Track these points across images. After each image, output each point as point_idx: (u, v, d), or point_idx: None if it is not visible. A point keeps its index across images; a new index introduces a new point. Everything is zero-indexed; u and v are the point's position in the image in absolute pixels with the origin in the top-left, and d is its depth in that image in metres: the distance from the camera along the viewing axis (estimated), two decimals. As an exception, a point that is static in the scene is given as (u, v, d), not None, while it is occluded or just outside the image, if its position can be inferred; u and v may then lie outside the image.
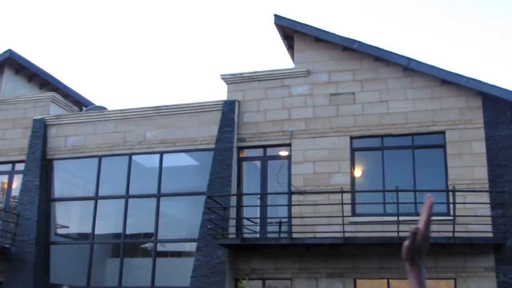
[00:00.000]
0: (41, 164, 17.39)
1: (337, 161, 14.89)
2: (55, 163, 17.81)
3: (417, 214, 13.71)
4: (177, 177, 17.11)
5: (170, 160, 16.77)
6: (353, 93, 15.33)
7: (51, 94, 18.55)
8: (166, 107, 16.79)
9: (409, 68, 14.90)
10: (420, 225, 1.56)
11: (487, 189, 13.73)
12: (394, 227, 13.30)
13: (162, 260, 16.56)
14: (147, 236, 17.08)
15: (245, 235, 14.96)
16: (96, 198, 17.11)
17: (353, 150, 15.04)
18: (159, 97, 53.41)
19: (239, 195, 14.99)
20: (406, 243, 1.54)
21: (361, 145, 15.11)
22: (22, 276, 16.37)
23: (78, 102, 20.74)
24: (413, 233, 1.53)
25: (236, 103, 15.97)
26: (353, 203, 14.51)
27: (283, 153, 15.71)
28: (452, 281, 13.44)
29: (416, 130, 14.66)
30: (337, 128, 15.12)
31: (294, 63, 16.36)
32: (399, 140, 14.85)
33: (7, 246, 16.83)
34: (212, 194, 14.96)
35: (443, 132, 14.51)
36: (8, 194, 18.19)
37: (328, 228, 14.01)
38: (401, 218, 13.27)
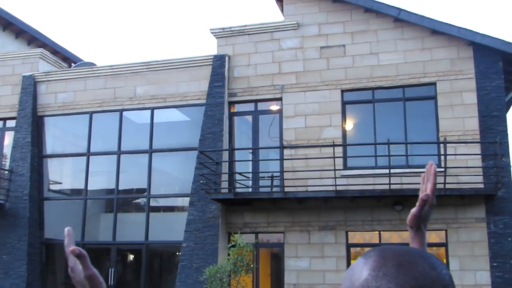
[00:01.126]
0: (32, 121, 17.31)
1: (328, 114, 14.88)
2: (46, 119, 17.73)
3: (409, 167, 13.88)
4: (168, 132, 17.08)
5: (161, 116, 16.72)
6: (344, 46, 15.19)
7: (39, 50, 18.30)
8: (156, 62, 16.63)
9: (399, 19, 14.74)
10: (429, 192, 1.55)
11: (478, 140, 13.80)
12: (385, 180, 13.41)
13: (155, 215, 16.70)
14: (140, 191, 17.18)
15: (238, 190, 15.05)
16: (88, 154, 17.11)
17: (344, 103, 15.00)
18: (149, 52, 52.87)
19: (231, 150, 15.01)
20: (414, 210, 1.54)
21: (352, 98, 15.07)
22: (17, 232, 16.51)
23: (66, 58, 20.52)
24: (423, 200, 1.52)
25: (226, 58, 15.82)
26: (345, 157, 14.58)
27: (274, 107, 15.67)
28: (443, 232, 13.64)
29: (407, 82, 14.61)
30: (328, 82, 15.05)
31: (283, 16, 16.15)
32: (390, 93, 14.81)
33: (1, 202, 16.91)
34: (204, 149, 14.99)
35: (434, 84, 14.47)
36: (0, 151, 18.15)
37: (320, 181, 14.12)
38: (392, 170, 13.37)
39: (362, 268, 1.07)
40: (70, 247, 1.37)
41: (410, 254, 1.07)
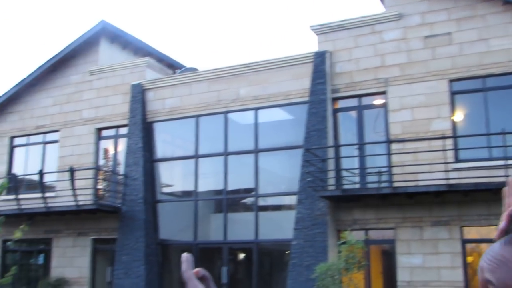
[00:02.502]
0: (143, 127, 18.06)
1: (436, 106, 14.38)
2: (155, 125, 18.44)
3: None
4: (273, 132, 17.23)
5: (265, 116, 16.89)
6: (449, 34, 14.61)
7: (146, 59, 19.08)
8: (257, 63, 16.81)
9: (508, 1, 13.96)
10: None
11: None
12: (501, 172, 12.78)
13: (263, 214, 16.90)
14: (248, 191, 17.46)
15: (345, 186, 14.92)
16: (196, 156, 17.61)
17: (452, 94, 14.43)
18: (249, 53, 53.52)
19: (337, 146, 14.90)
20: (501, 225, 1.46)
21: (461, 87, 14.46)
22: (134, 233, 17.30)
23: (171, 65, 21.21)
24: (510, 215, 1.44)
25: (327, 54, 15.70)
26: (456, 149, 14.03)
27: (379, 101, 15.37)
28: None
29: (521, 67, 13.82)
30: (434, 72, 14.54)
31: (384, 7, 15.78)
32: (502, 80, 14.06)
33: (119, 205, 17.80)
34: (309, 147, 14.97)
35: (551, 68, 13.61)
36: (115, 157, 19.10)
37: (431, 175, 13.69)
38: (509, 162, 12.72)
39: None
40: (187, 272, 1.34)
41: None
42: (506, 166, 12.54)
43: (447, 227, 13.70)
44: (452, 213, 13.71)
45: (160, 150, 18.77)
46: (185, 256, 1.38)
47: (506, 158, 12.64)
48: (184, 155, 18.74)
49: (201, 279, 1.34)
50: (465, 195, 13.46)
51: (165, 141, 19.36)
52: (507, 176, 12.44)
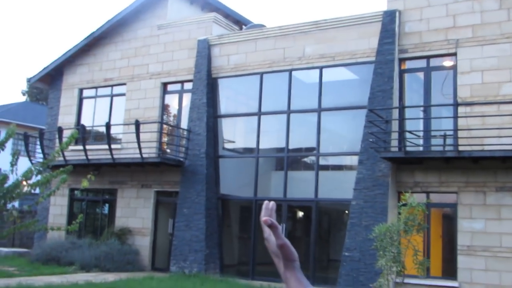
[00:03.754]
0: (207, 83, 18.29)
1: (508, 69, 13.92)
2: (220, 81, 18.64)
3: None
4: (337, 91, 17.15)
5: (329, 75, 16.79)
6: (527, -6, 14.03)
7: (212, 14, 19.19)
8: (325, 21, 16.64)
9: None
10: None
11: None
12: None
13: (324, 173, 16.96)
14: (309, 150, 17.52)
15: (408, 148, 14.76)
16: (259, 114, 17.75)
17: (526, 57, 13.94)
18: (317, 11, 52.81)
19: (402, 108, 14.70)
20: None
21: (536, 51, 13.94)
22: (195, 187, 17.71)
23: (237, 21, 21.25)
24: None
25: (397, 13, 15.38)
26: (526, 114, 13.61)
27: (448, 63, 15.01)
28: None
29: None
30: (508, 34, 14.04)
31: (459, -35, 15.24)
32: None
33: (181, 159, 18.22)
34: (374, 107, 14.83)
35: None
36: (179, 112, 19.47)
37: (498, 140, 13.37)
38: None
39: None
40: (264, 218, 1.43)
41: None
42: None
43: (512, 193, 13.42)
44: (518, 179, 13.39)
45: (224, 106, 19.01)
46: (265, 203, 1.47)
47: None
48: (247, 112, 18.94)
49: (270, 227, 1.42)
50: (533, 162, 13.10)
51: (229, 98, 19.57)
52: None
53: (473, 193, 13.87)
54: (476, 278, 13.51)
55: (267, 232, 1.45)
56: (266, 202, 1.49)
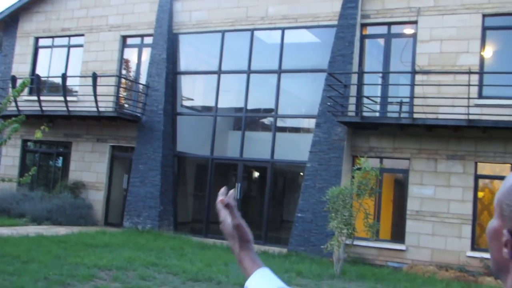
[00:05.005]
0: (168, 38, 18.00)
1: (466, 40, 14.14)
2: (181, 37, 18.37)
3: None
4: (298, 53, 17.12)
5: (291, 37, 16.73)
6: (489, -34, 14.16)
7: (175, -33, 18.76)
8: (289, -19, 16.49)
9: None
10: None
11: None
12: (523, 111, 12.72)
13: (281, 135, 17.04)
14: (267, 111, 17.55)
15: (365, 114, 14.94)
16: (219, 72, 17.62)
17: (484, 29, 14.15)
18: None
19: (361, 73, 14.81)
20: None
21: (494, 23, 14.16)
22: (152, 143, 17.59)
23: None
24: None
25: (361, -22, 15.35)
26: (481, 85, 13.91)
27: (409, 30, 15.13)
28: None
29: (558, 7, 13.46)
30: (468, 5, 14.21)
31: None
32: (538, 19, 13.75)
33: (139, 115, 18.02)
34: (333, 71, 14.90)
35: None
36: (138, 66, 19.16)
37: (452, 109, 13.65)
38: (532, 101, 12.62)
39: None
40: (220, 198, 1.45)
41: None
42: (529, 106, 12.45)
43: (462, 162, 13.79)
44: (468, 148, 13.75)
45: (184, 63, 18.80)
46: (223, 190, 1.48)
47: (530, 98, 12.53)
48: (207, 69, 18.77)
49: (226, 206, 1.44)
50: (484, 132, 13.45)
51: (189, 54, 19.34)
52: (530, 115, 12.38)
53: (425, 160, 14.20)
54: (423, 242, 13.93)
55: (222, 215, 1.47)
56: (223, 189, 1.50)
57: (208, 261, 11.99)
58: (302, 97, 17.74)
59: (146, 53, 18.76)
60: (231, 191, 1.49)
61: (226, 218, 1.47)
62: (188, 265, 11.27)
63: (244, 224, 1.46)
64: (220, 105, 17.79)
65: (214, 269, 11.19)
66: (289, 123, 17.67)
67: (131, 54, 19.35)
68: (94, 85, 16.99)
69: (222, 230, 1.48)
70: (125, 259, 11.22)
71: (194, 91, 19.79)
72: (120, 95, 19.16)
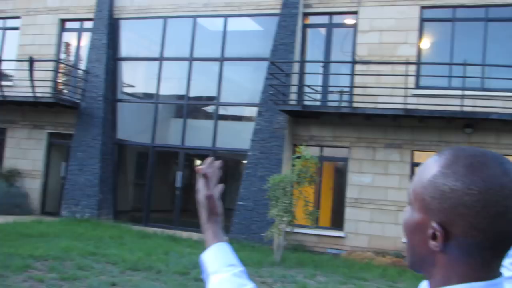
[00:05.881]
0: (108, 23, 17.63)
1: (404, 31, 14.45)
2: (122, 22, 18.02)
3: (484, 89, 13.47)
4: (240, 41, 17.09)
5: (234, 24, 16.68)
6: (428, -40, 14.49)
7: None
8: (232, -32, 16.41)
9: None
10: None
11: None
12: (458, 101, 13.11)
13: (223, 123, 17.00)
14: (210, 99, 17.47)
15: (306, 102, 15.08)
16: (161, 59, 17.40)
17: (422, 21, 14.50)
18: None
19: (302, 62, 14.92)
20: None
21: (431, 15, 14.52)
22: (91, 130, 17.24)
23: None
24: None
25: (304, -33, 15.43)
26: (418, 75, 14.26)
27: (349, 21, 15.33)
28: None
29: (491, 1, 13.90)
30: (408, -3, 14.51)
31: None
32: (472, 12, 14.17)
33: (78, 101, 17.61)
34: (275, 60, 14.95)
35: (520, 5, 13.73)
36: (77, 51, 18.69)
37: (390, 99, 13.94)
38: (466, 92, 13.03)
39: (433, 165, 1.06)
40: (200, 167, 1.46)
41: (485, 156, 1.03)
42: (462, 96, 12.85)
43: (399, 150, 14.13)
44: (405, 137, 14.10)
45: (125, 49, 18.45)
46: (210, 160, 1.50)
47: (463, 89, 12.94)
48: (148, 56, 18.50)
49: (204, 176, 1.45)
50: (420, 121, 13.82)
51: (131, 40, 18.98)
52: (463, 105, 12.78)
53: (363, 149, 14.47)
54: (361, 229, 14.22)
55: (200, 184, 1.47)
56: (211, 159, 1.51)
57: (148, 250, 11.88)
58: (244, 85, 17.75)
59: (86, 38, 18.31)
60: (211, 160, 1.50)
61: (201, 187, 1.47)
62: (127, 254, 11.13)
63: (216, 198, 1.47)
64: (161, 92, 17.59)
65: (154, 258, 11.11)
66: (231, 111, 17.65)
67: (70, 39, 18.84)
68: (31, 70, 16.49)
69: (197, 198, 1.48)
70: (62, 249, 10.99)
71: (136, 78, 19.47)
72: (59, 81, 18.67)
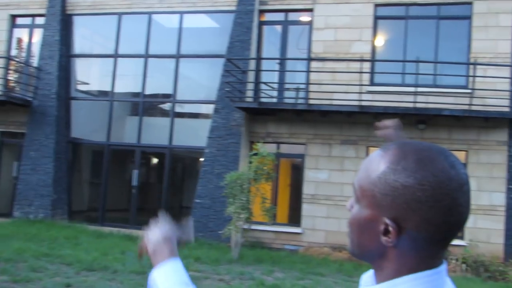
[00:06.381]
0: (61, 19, 17.29)
1: (359, 29, 14.63)
2: (75, 18, 17.68)
3: (436, 86, 13.75)
4: (196, 38, 16.98)
5: (190, 21, 16.57)
6: (381, -42, 14.69)
7: None
8: (187, -35, 16.30)
9: None
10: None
11: (510, 63, 13.54)
12: (411, 98, 13.34)
13: (179, 120, 16.88)
14: (166, 96, 17.32)
15: (263, 100, 15.11)
16: (115, 56, 17.16)
17: (376, 18, 14.70)
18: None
19: (258, 59, 14.94)
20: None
21: (385, 13, 14.73)
22: (44, 129, 16.88)
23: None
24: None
25: (259, -36, 15.43)
26: (372, 72, 14.46)
27: (305, 18, 15.42)
28: (464, 153, 13.67)
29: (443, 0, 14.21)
30: (362, -6, 14.68)
31: None
32: (425, 10, 14.44)
33: (30, 99, 17.21)
34: (232, 57, 14.92)
35: (470, 3, 14.05)
36: (29, 48, 18.26)
37: (346, 96, 14.09)
38: (419, 89, 13.27)
39: (380, 161, 1.06)
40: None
41: (431, 150, 1.05)
42: (415, 93, 13.08)
43: (355, 146, 14.31)
44: (360, 133, 14.28)
45: (78, 45, 18.12)
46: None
47: (416, 85, 13.18)
48: (103, 53, 18.21)
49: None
50: (375, 117, 13.96)
51: (84, 37, 18.64)
52: (416, 102, 13.02)
53: (320, 145, 14.59)
54: (318, 225, 14.35)
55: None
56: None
57: (104, 250, 11.72)
58: (200, 83, 17.65)
59: (38, 34, 17.90)
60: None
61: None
62: (83, 255, 10.96)
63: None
64: (116, 90, 17.34)
65: (110, 257, 10.97)
66: (187, 108, 17.53)
67: (21, 35, 18.39)
68: (-20, 67, 16.02)
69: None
70: (15, 251, 10.74)
71: (90, 75, 19.14)
72: (10, 78, 18.20)
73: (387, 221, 1.03)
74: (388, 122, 1.44)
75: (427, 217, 1.01)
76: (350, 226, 1.12)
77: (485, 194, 13.37)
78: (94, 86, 18.99)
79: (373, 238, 1.07)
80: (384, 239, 1.04)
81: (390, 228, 1.03)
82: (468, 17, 14.08)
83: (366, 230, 1.08)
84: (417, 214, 1.01)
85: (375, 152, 1.10)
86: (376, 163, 1.07)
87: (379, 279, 1.09)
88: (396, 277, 1.05)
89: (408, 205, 1.01)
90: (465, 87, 13.72)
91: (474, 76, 13.06)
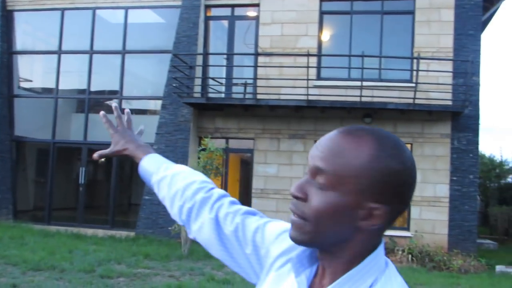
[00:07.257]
0: (1, 15, 16.81)
1: (305, 23, 14.76)
2: (16, 14, 17.21)
3: (381, 80, 14.03)
4: (142, 34, 16.79)
5: (135, 16, 16.37)
6: (324, -46, 14.86)
7: None
8: (131, -41, 16.08)
9: None
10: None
11: (452, 57, 13.93)
12: (357, 92, 13.56)
13: (127, 117, 16.62)
14: (112, 93, 17.07)
15: (210, 95, 15.09)
16: (59, 52, 16.79)
17: (322, 13, 14.87)
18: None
19: (205, 54, 14.90)
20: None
21: (330, 8, 14.92)
22: (-14, 128, 16.40)
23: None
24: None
25: (205, -41, 15.38)
26: (319, 67, 14.63)
27: (251, 13, 15.46)
28: (409, 146, 14.00)
29: (381, -6, 14.50)
30: (283, -10, 14.82)
31: None
32: (369, 5, 14.70)
33: (-30, 97, 16.69)
34: (178, 52, 14.84)
35: (413, -2, 14.40)
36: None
37: (293, 90, 14.22)
38: (364, 83, 13.51)
39: (358, 148, 1.06)
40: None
41: (394, 136, 1.11)
42: (361, 87, 13.31)
43: (303, 140, 14.45)
44: (308, 127, 14.44)
45: (20, 42, 17.66)
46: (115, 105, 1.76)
47: (362, 80, 13.40)
48: (46, 49, 17.78)
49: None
50: (322, 112, 14.19)
51: (26, 33, 18.17)
52: (362, 96, 13.26)
53: (268, 140, 14.68)
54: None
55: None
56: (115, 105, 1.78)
57: (51, 249, 11.50)
58: (147, 78, 17.48)
59: (-23, 31, 17.35)
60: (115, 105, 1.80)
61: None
62: (29, 255, 10.72)
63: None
64: (61, 87, 16.97)
65: (58, 256, 10.77)
66: (134, 104, 17.32)
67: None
68: None
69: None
70: (-44, 253, 10.41)
71: (33, 72, 18.67)
72: None
73: (374, 205, 1.05)
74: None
75: (406, 197, 1.08)
76: (317, 215, 1.08)
77: (429, 186, 13.74)
78: (37, 83, 18.56)
79: (346, 225, 1.07)
80: (365, 223, 1.06)
81: (377, 212, 1.05)
82: (411, 12, 14.40)
83: (342, 217, 1.06)
84: (400, 196, 1.07)
85: (338, 136, 1.09)
86: (354, 149, 1.06)
87: (335, 262, 1.10)
88: (359, 258, 1.08)
89: (395, 189, 1.06)
90: (410, 81, 14.05)
91: (417, 70, 13.37)
